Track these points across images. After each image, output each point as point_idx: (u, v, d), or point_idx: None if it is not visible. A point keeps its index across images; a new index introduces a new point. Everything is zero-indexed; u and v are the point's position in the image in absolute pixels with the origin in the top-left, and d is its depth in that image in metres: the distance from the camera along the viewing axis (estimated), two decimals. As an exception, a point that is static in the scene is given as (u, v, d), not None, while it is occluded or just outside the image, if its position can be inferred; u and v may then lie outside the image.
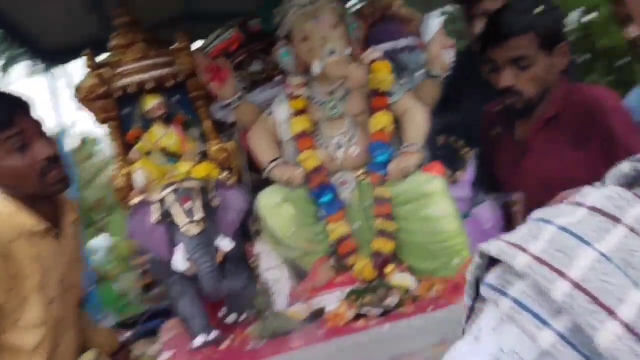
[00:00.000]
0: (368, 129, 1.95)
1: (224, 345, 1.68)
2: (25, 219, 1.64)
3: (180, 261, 1.65)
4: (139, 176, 1.90)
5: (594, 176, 1.95)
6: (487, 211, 1.99)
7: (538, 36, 1.81)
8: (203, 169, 1.86)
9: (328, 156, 1.93)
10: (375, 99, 1.93)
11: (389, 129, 1.91)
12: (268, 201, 1.84)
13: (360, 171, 1.95)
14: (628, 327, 0.47)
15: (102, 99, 1.91)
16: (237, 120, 2.07)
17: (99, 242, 6.97)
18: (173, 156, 2.00)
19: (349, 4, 3.08)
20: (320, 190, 1.90)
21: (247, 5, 2.35)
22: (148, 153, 1.99)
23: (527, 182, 1.93)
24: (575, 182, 1.94)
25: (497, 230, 1.97)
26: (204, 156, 2.01)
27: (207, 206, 1.73)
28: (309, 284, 1.83)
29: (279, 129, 1.99)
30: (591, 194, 0.59)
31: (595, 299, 0.48)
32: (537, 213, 0.61)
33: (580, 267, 0.50)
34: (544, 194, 1.79)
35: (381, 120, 1.91)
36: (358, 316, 1.62)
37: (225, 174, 1.98)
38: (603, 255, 0.51)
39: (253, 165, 2.09)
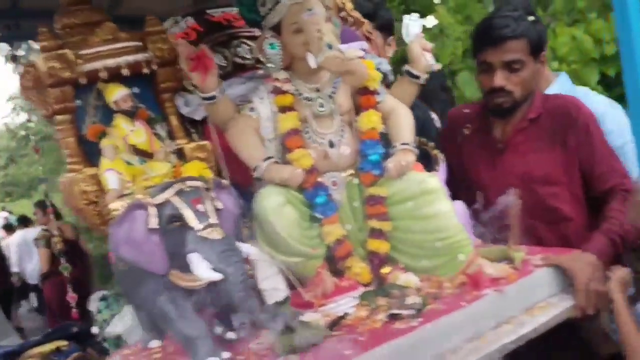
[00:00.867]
0: (357, 128, 1.90)
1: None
2: None
3: (205, 270, 1.42)
4: (112, 178, 1.61)
5: (569, 174, 2.16)
6: (460, 208, 2.06)
7: (529, 43, 1.98)
8: (193, 169, 1.65)
9: (319, 155, 1.84)
10: (364, 97, 1.90)
11: (379, 128, 1.89)
12: (271, 203, 1.69)
13: (349, 171, 1.89)
14: None
15: (61, 85, 1.59)
16: (212, 116, 1.87)
17: None
18: (143, 155, 1.73)
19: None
20: (314, 191, 1.80)
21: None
22: (109, 152, 1.70)
23: (505, 179, 2.05)
24: (552, 180, 2.13)
25: (468, 227, 2.05)
26: (180, 156, 1.77)
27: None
28: (317, 291, 1.70)
29: (262, 127, 1.84)
30: None
31: None
32: None
33: None
34: (522, 190, 1.94)
35: (372, 119, 1.88)
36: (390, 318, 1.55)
37: (204, 175, 1.76)
38: None
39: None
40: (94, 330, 2.00)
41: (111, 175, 1.62)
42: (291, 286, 1.75)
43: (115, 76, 1.71)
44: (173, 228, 1.48)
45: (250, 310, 1.44)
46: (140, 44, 1.71)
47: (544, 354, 1.79)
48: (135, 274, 1.60)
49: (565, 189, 2.06)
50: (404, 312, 1.56)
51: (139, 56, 1.66)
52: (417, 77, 1.98)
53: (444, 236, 1.76)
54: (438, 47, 4.63)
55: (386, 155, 1.86)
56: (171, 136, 1.83)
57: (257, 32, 2.13)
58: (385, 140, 1.92)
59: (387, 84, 2.18)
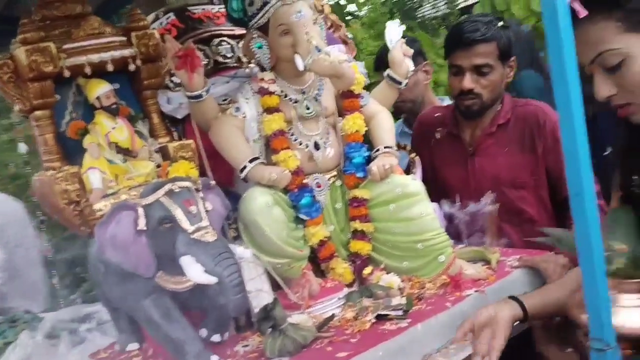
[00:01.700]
0: (341, 130, 1.92)
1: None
2: None
3: (199, 274, 1.39)
4: (95, 177, 1.56)
5: (535, 178, 2.26)
6: (436, 210, 2.11)
7: (499, 47, 2.05)
8: (181, 169, 1.62)
9: (304, 157, 1.84)
10: (349, 100, 1.92)
11: (362, 131, 1.91)
12: (259, 204, 1.67)
13: (332, 173, 1.91)
14: None
15: (42, 80, 1.53)
16: (196, 115, 1.83)
17: None
18: (125, 154, 1.68)
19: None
20: (299, 192, 1.80)
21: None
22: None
23: (475, 182, 2.12)
24: (519, 183, 2.22)
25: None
26: (163, 155, 1.73)
27: (202, 210, 1.50)
28: (304, 292, 1.71)
29: (247, 127, 1.83)
30: None
31: None
32: None
33: None
34: (491, 191, 2.00)
35: (356, 122, 1.90)
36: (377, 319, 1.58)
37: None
38: None
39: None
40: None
41: (94, 173, 1.56)
42: (276, 287, 1.76)
43: (94, 72, 1.66)
44: (163, 230, 1.45)
45: (247, 313, 1.43)
46: (124, 39, 1.65)
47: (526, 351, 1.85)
48: (119, 276, 1.56)
49: (532, 192, 2.15)
50: (392, 313, 1.58)
51: (125, 52, 1.61)
52: (398, 82, 2.01)
53: (425, 238, 1.80)
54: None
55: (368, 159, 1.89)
56: (152, 134, 1.78)
57: (237, 30, 2.12)
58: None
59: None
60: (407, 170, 2.14)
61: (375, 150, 1.90)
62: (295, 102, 1.85)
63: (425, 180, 2.15)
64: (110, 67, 1.56)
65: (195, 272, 1.39)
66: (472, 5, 6.69)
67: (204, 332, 1.61)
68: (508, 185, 2.10)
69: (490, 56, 2.09)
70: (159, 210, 1.45)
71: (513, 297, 1.53)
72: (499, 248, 1.94)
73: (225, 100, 1.93)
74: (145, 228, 1.46)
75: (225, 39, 2.08)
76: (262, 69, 1.89)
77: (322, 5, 2.38)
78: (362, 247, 1.86)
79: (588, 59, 1.21)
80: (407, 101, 2.73)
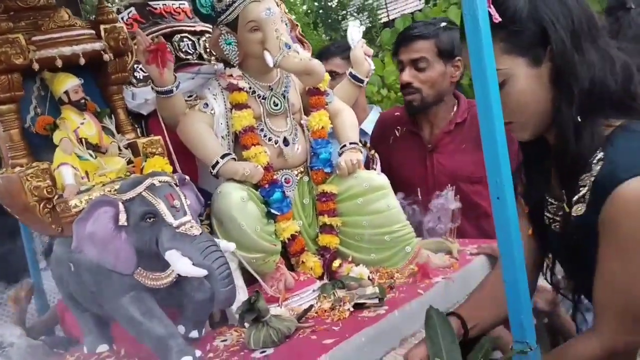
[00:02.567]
0: (308, 127, 1.96)
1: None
2: None
3: (188, 267, 1.38)
4: (68, 173, 1.52)
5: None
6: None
7: (437, 44, 2.20)
8: (156, 164, 1.60)
9: (273, 153, 1.87)
10: (315, 97, 1.96)
11: (328, 127, 1.96)
12: (235, 199, 1.68)
13: (300, 169, 1.94)
14: None
15: (10, 73, 1.47)
16: (164, 111, 1.81)
17: None
18: (94, 149, 1.64)
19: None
20: (270, 188, 1.82)
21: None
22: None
23: (434, 177, 2.23)
24: (475, 178, 2.35)
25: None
26: (133, 151, 1.70)
27: (181, 205, 1.49)
28: (280, 285, 1.73)
29: (215, 123, 1.83)
30: None
31: None
32: None
33: None
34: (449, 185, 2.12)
35: (322, 119, 1.95)
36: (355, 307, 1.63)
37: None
38: None
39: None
40: None
41: (66, 170, 1.51)
42: (250, 282, 1.77)
43: (55, 66, 1.60)
44: (144, 225, 1.43)
45: (236, 304, 1.44)
46: (93, 32, 1.61)
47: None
48: (93, 275, 1.53)
49: (487, 187, 2.28)
50: (368, 301, 1.64)
51: (96, 45, 1.57)
52: (360, 81, 2.08)
53: (392, 230, 1.88)
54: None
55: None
56: (119, 130, 1.74)
57: (198, 27, 2.11)
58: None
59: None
60: (367, 166, 2.21)
61: (341, 146, 1.95)
62: (263, 98, 1.88)
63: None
64: (82, 61, 1.52)
65: (183, 265, 1.38)
66: (393, 20, 6.95)
67: (181, 329, 1.60)
68: (465, 181, 2.22)
69: (428, 52, 2.24)
70: (141, 205, 1.43)
71: (451, 313, 1.49)
72: (457, 239, 2.05)
73: (190, 96, 1.92)
74: (126, 223, 1.44)
75: (186, 35, 2.06)
76: (227, 66, 1.90)
77: (279, 4, 2.41)
78: (330, 240, 1.90)
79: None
80: None
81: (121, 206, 1.43)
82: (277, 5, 1.85)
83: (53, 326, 2.25)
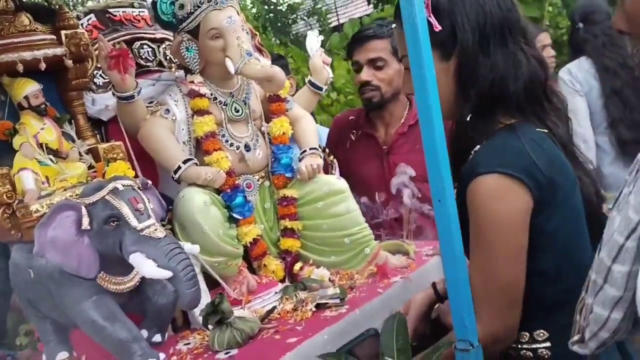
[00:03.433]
0: (269, 133, 2.00)
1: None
2: None
3: (152, 269, 1.39)
4: (28, 178, 1.51)
5: None
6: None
7: (392, 44, 2.30)
8: (119, 169, 1.61)
9: (235, 158, 1.90)
10: (276, 104, 2.01)
11: (289, 133, 2.01)
12: (197, 203, 1.70)
13: (261, 174, 1.98)
14: None
15: (-30, 76, 1.45)
16: (125, 116, 1.82)
17: None
18: (55, 155, 1.64)
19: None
20: (232, 193, 1.85)
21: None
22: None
23: (390, 177, 2.29)
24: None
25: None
26: (94, 157, 1.70)
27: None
28: (242, 288, 1.75)
29: (177, 129, 1.85)
30: None
31: None
32: None
33: None
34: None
35: (283, 125, 1.99)
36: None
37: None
38: None
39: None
40: None
41: (27, 174, 1.50)
42: (212, 285, 1.78)
43: (15, 71, 1.60)
44: (108, 229, 1.44)
45: (200, 305, 1.46)
46: (54, 37, 1.61)
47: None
48: (54, 280, 1.52)
49: None
50: (330, 301, 1.69)
51: (58, 50, 1.57)
52: (319, 88, 2.14)
53: (352, 232, 1.93)
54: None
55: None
56: (79, 136, 1.74)
57: (158, 34, 2.13)
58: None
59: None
60: (325, 171, 2.26)
61: (302, 151, 2.00)
62: (224, 104, 1.91)
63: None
64: (43, 66, 1.52)
65: (148, 267, 1.39)
66: (343, 24, 7.10)
67: (144, 333, 1.60)
68: (421, 180, 2.29)
69: (383, 51, 2.34)
70: (105, 209, 1.44)
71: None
72: (413, 240, 2.12)
73: (151, 102, 1.93)
74: (89, 227, 1.44)
75: (146, 42, 2.08)
76: (188, 73, 1.92)
77: (239, 13, 2.45)
78: (292, 244, 1.94)
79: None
80: None
81: (84, 210, 1.43)
82: (238, 14, 1.89)
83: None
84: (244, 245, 1.86)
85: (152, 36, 2.10)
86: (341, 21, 8.60)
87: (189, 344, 1.64)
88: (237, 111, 1.92)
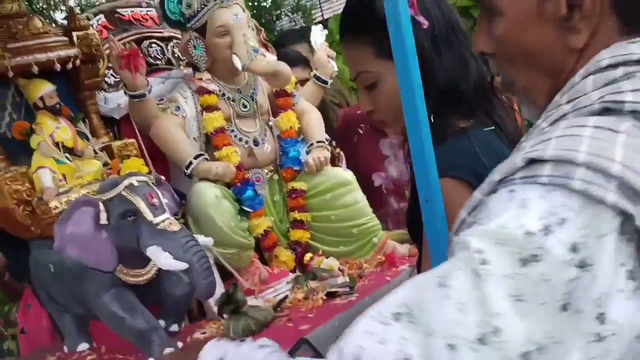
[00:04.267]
0: (276, 127, 2.04)
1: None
2: None
3: (169, 260, 1.45)
4: (46, 176, 1.56)
5: None
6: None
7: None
8: (133, 165, 1.66)
9: (244, 153, 1.94)
10: (282, 99, 2.05)
11: (296, 127, 2.05)
12: (210, 196, 1.76)
13: (270, 167, 2.03)
14: None
15: (-14, 79, 1.51)
16: (137, 114, 1.87)
17: None
18: (70, 153, 1.69)
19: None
20: (242, 186, 1.90)
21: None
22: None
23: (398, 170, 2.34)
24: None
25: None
26: (108, 154, 1.76)
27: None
28: (255, 278, 1.81)
29: (187, 126, 1.90)
30: None
31: None
32: None
33: None
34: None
35: (290, 119, 2.04)
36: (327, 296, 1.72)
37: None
38: None
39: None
40: None
41: (45, 172, 1.55)
42: (225, 277, 1.84)
43: (29, 73, 1.65)
44: (125, 223, 1.49)
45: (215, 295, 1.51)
46: (66, 39, 1.66)
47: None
48: (74, 274, 1.57)
49: None
50: (340, 290, 1.74)
51: (70, 52, 1.62)
52: (324, 82, 2.18)
53: (360, 223, 1.98)
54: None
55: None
56: (93, 135, 1.79)
57: (166, 32, 2.17)
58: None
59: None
60: (332, 163, 2.31)
61: (309, 144, 2.05)
62: (232, 100, 1.96)
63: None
64: (57, 67, 1.57)
65: (165, 259, 1.44)
66: (327, 20, 7.09)
67: (162, 323, 1.66)
68: None
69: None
70: (121, 204, 1.49)
71: None
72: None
73: (161, 100, 1.98)
74: (107, 222, 1.49)
75: (155, 40, 2.12)
76: (196, 70, 1.97)
77: (243, 9, 2.49)
78: (301, 235, 1.99)
79: (352, 76, 1.33)
80: None
81: (101, 206, 1.49)
82: (243, 11, 1.93)
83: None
84: (255, 237, 1.92)
85: (160, 35, 2.15)
86: (325, 16, 8.57)
87: (205, 332, 1.69)
88: (245, 107, 1.97)
